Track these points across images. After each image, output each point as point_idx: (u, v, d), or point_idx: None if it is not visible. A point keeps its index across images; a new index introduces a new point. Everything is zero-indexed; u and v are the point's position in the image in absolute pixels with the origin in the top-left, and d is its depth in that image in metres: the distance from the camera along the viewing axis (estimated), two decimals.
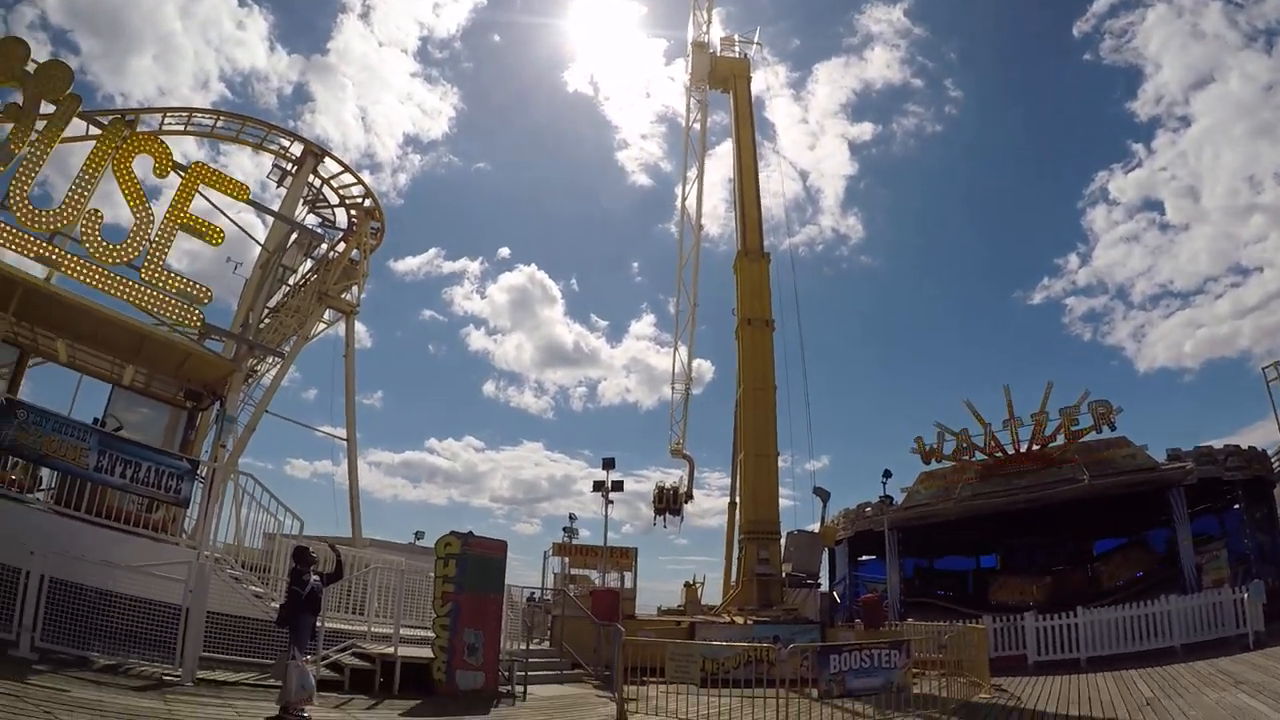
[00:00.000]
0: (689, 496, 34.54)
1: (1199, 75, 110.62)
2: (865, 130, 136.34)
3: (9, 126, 12.70)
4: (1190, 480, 23.75)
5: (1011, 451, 28.22)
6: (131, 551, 11.95)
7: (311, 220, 30.07)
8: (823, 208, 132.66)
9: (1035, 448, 27.77)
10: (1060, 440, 27.37)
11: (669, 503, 34.03)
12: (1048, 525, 28.30)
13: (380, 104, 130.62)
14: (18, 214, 12.49)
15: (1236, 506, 25.03)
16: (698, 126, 37.30)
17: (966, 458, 29.05)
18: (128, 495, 12.93)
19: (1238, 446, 24.82)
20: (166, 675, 10.60)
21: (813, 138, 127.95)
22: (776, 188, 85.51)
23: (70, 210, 12.99)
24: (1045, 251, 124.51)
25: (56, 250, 13.09)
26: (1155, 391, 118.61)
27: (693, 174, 37.09)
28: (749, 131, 33.64)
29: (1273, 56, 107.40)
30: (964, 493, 28.00)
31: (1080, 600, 21.47)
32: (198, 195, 14.37)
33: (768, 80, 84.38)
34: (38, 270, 14.80)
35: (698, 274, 35.85)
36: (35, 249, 12.84)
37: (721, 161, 53.56)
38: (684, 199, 37.38)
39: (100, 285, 13.39)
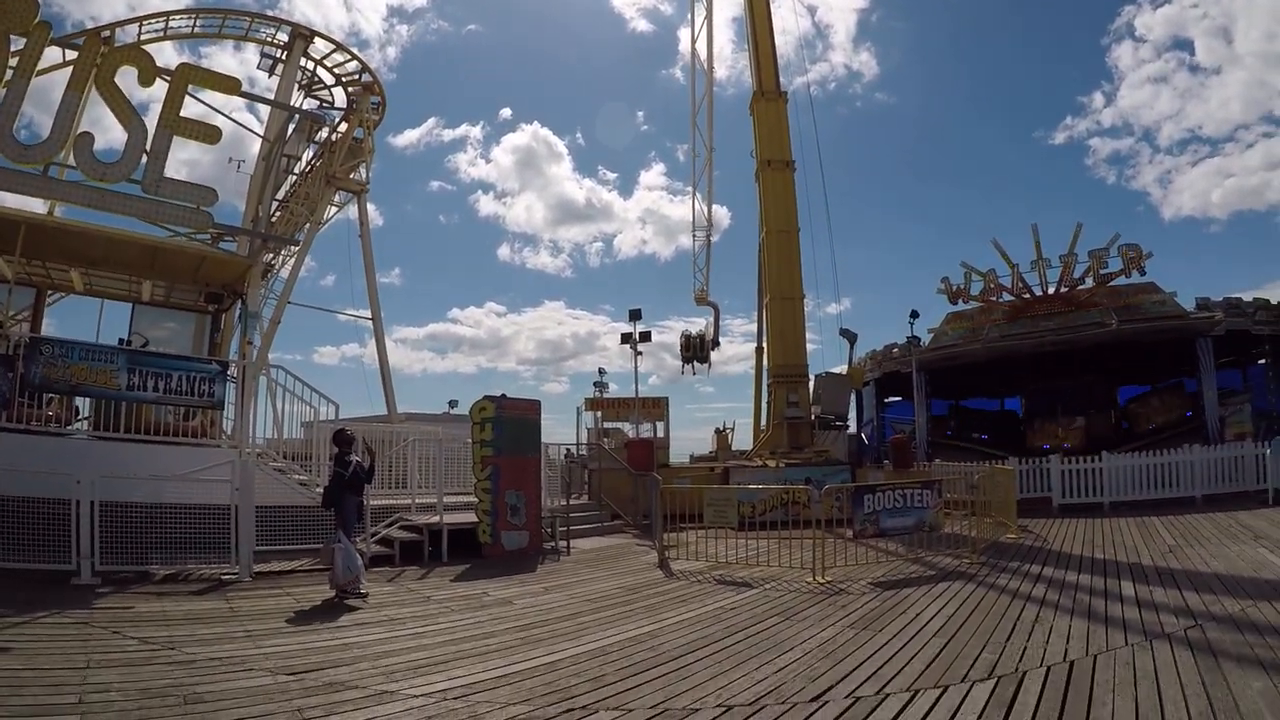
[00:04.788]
0: (715, 343, 34.81)
1: None
2: None
3: None
4: (1218, 331, 23.64)
5: (1039, 293, 27.99)
6: (176, 461, 12.28)
7: (310, 104, 29.26)
8: (834, 44, 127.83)
9: (1064, 290, 27.54)
10: (1089, 283, 27.10)
11: (696, 350, 34.34)
12: (1074, 369, 28.36)
13: None
14: (6, 152, 12.20)
15: (1262, 362, 25.36)
16: None
17: (994, 299, 28.92)
18: (164, 407, 13.22)
19: (1267, 301, 24.72)
20: (225, 575, 11.06)
21: None
22: (785, 25, 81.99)
23: (59, 139, 12.65)
24: (1068, 89, 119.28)
25: (53, 182, 12.86)
26: (1180, 240, 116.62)
27: (701, 15, 35.04)
28: None
29: None
30: (991, 334, 27.95)
31: (1107, 445, 21.64)
32: (189, 99, 13.93)
33: None
34: (39, 206, 14.70)
35: (712, 119, 34.61)
36: (31, 185, 12.66)
37: (725, 0, 51.21)
38: (694, 41, 35.61)
39: (103, 207, 13.20)
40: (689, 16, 36.31)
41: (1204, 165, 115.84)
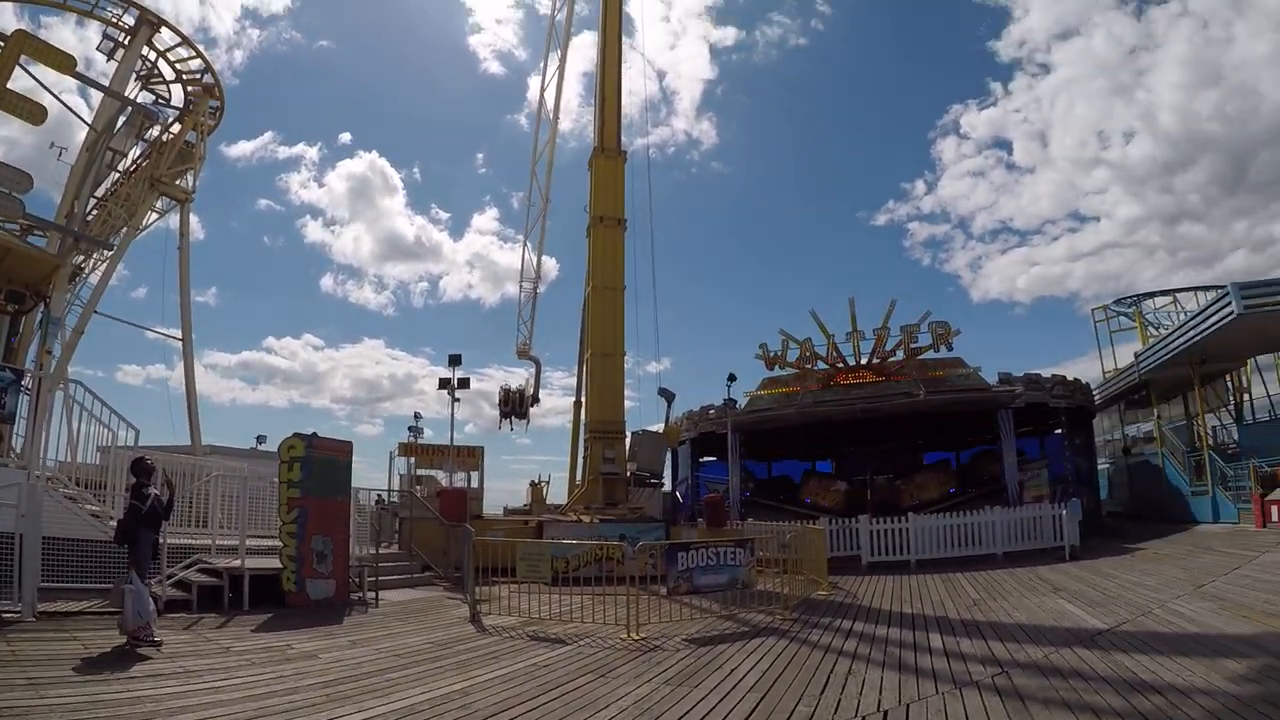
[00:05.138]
0: (535, 399, 34.57)
1: (1066, 26, 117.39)
2: (728, 35, 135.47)
3: None
4: (1019, 403, 25.79)
5: (853, 363, 29.46)
6: None
7: (145, 98, 27.14)
8: (677, 110, 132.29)
9: (876, 360, 29.13)
10: (900, 356, 28.82)
11: (515, 405, 33.93)
12: (882, 435, 30.14)
13: None
14: None
15: (1058, 431, 27.77)
16: (562, 15, 35.82)
17: (809, 366, 30.15)
18: None
19: (1064, 377, 27.29)
20: (6, 613, 10.10)
21: (674, 37, 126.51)
22: (634, 86, 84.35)
23: None
24: (894, 175, 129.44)
25: None
26: (987, 320, 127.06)
27: (554, 65, 35.44)
28: (616, 23, 31.95)
29: (1141, 22, 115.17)
30: (805, 399, 29.04)
31: (891, 509, 23.13)
32: (18, 71, 13.06)
33: None
34: None
35: (551, 170, 34.98)
36: None
37: (578, 54, 52.20)
38: (543, 89, 35.82)
39: None
40: (542, 65, 36.62)
41: (1013, 254, 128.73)
